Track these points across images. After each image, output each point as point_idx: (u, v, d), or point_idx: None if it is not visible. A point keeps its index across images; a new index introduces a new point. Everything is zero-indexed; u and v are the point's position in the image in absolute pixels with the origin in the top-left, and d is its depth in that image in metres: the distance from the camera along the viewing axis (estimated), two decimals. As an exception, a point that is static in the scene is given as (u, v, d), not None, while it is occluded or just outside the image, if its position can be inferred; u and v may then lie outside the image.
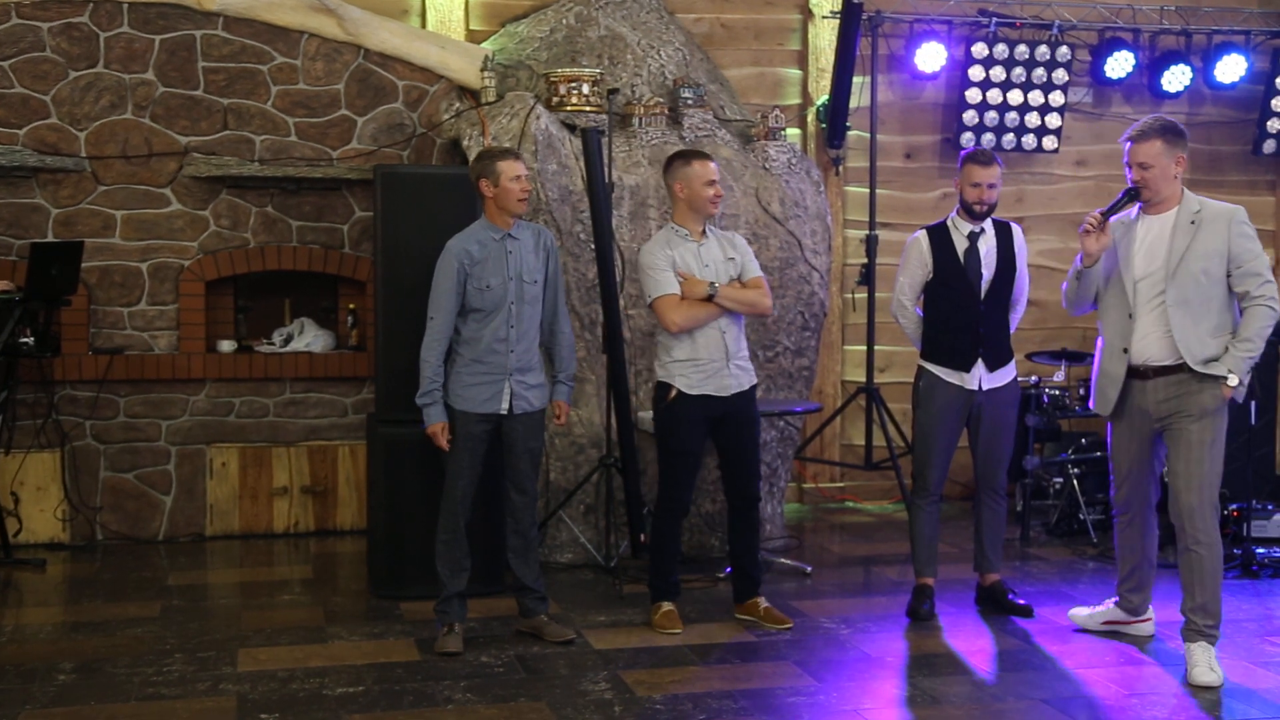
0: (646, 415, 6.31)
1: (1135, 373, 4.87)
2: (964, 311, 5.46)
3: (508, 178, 4.98)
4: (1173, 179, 4.82)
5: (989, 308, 5.46)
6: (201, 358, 6.86)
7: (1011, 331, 5.58)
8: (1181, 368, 4.75)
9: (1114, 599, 5.26)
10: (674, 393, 5.19)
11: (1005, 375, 5.52)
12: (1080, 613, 5.37)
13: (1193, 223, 4.77)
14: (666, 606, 5.33)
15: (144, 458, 6.83)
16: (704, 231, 5.26)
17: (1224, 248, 4.73)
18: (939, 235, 5.52)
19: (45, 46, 6.65)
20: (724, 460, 5.37)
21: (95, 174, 6.74)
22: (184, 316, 6.86)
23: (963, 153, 5.57)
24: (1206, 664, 4.70)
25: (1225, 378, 4.70)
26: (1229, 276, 4.74)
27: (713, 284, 5.15)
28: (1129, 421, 4.95)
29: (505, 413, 5.03)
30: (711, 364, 5.17)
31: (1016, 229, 5.60)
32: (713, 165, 5.23)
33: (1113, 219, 4.92)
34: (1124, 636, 5.20)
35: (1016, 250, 5.52)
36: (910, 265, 5.56)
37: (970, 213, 5.46)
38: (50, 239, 6.64)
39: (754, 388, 5.34)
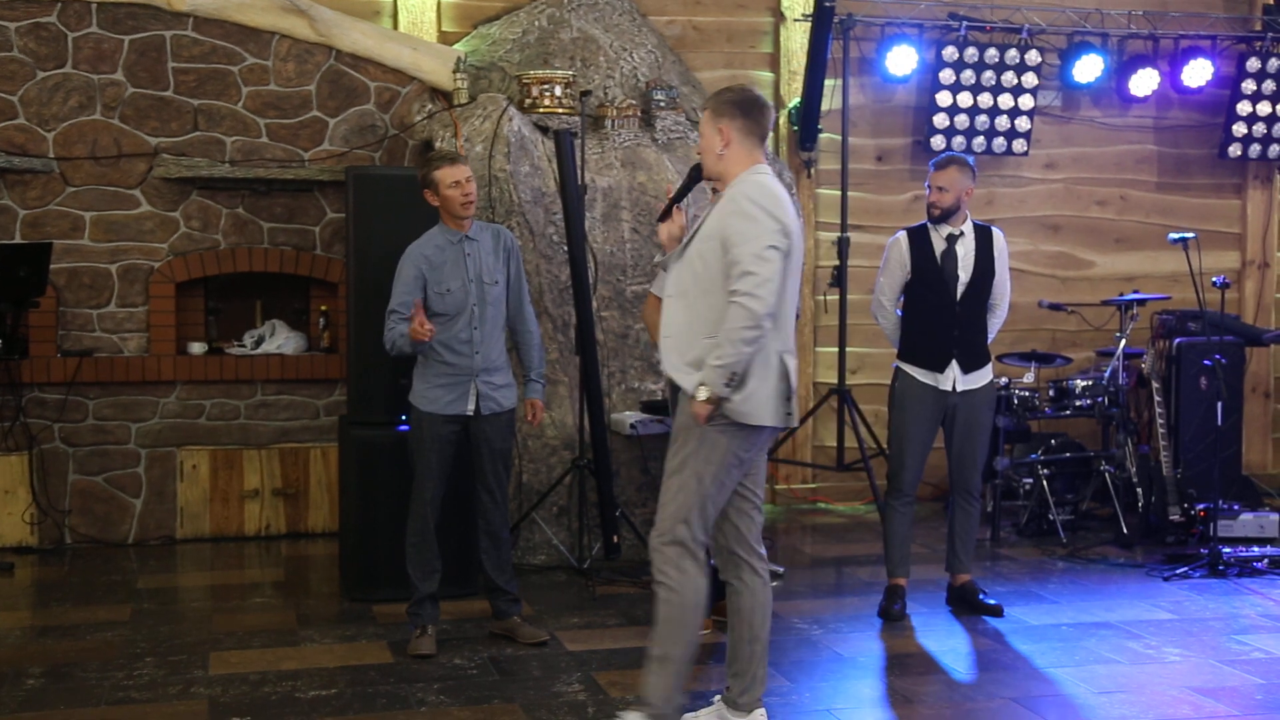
0: (619, 417, 6.32)
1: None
2: (940, 313, 5.49)
3: (445, 185, 4.97)
4: (716, 153, 3.95)
5: (965, 310, 5.49)
6: (172, 360, 6.82)
7: (992, 335, 5.62)
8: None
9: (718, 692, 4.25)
10: None
11: (981, 378, 5.54)
12: None
13: (722, 198, 3.93)
14: None
15: (113, 460, 6.79)
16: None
17: (718, 227, 3.83)
18: (918, 236, 5.56)
19: (13, 46, 6.60)
20: None
21: (64, 175, 6.69)
22: (154, 318, 6.81)
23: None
24: None
25: (695, 390, 3.78)
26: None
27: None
28: None
29: (472, 414, 5.02)
30: None
31: (998, 233, 5.62)
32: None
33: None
34: None
35: (996, 254, 5.55)
36: (890, 266, 5.60)
37: (928, 215, 5.52)
38: (18, 240, 6.59)
39: None
